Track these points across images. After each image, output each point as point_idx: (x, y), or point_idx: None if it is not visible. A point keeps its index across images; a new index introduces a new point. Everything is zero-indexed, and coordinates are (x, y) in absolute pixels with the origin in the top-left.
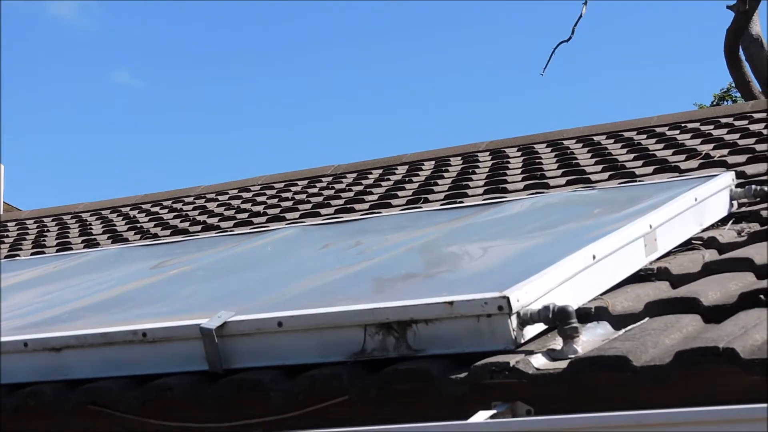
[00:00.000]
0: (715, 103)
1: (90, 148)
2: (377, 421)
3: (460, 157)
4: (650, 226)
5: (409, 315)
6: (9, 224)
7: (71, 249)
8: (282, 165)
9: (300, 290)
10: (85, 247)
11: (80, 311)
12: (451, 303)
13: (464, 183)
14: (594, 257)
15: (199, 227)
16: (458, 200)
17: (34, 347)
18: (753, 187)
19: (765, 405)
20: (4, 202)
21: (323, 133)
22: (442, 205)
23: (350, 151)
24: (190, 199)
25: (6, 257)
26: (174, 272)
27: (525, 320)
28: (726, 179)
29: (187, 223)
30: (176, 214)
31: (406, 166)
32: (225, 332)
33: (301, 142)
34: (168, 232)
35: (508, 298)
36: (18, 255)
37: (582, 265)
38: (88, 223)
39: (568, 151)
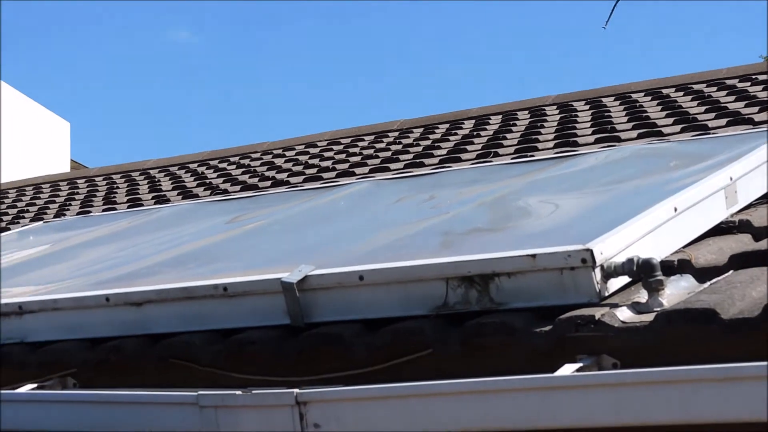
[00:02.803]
0: None
1: (152, 105)
2: (459, 374)
3: (527, 111)
4: (731, 179)
5: (492, 268)
6: (78, 181)
7: (142, 205)
8: (345, 121)
9: (378, 244)
10: (155, 203)
11: (159, 266)
12: (533, 256)
13: (533, 137)
14: (675, 209)
15: (268, 183)
16: (529, 154)
17: (116, 302)
18: None
19: None
20: (71, 160)
21: (386, 89)
22: (512, 158)
23: (413, 108)
24: (257, 155)
25: (78, 213)
26: (249, 227)
27: (609, 273)
28: None
29: (257, 179)
30: (244, 169)
31: (473, 121)
32: (306, 286)
33: (364, 99)
34: (238, 187)
35: (591, 251)
36: (90, 211)
37: (664, 218)
38: (156, 179)
39: (637, 104)
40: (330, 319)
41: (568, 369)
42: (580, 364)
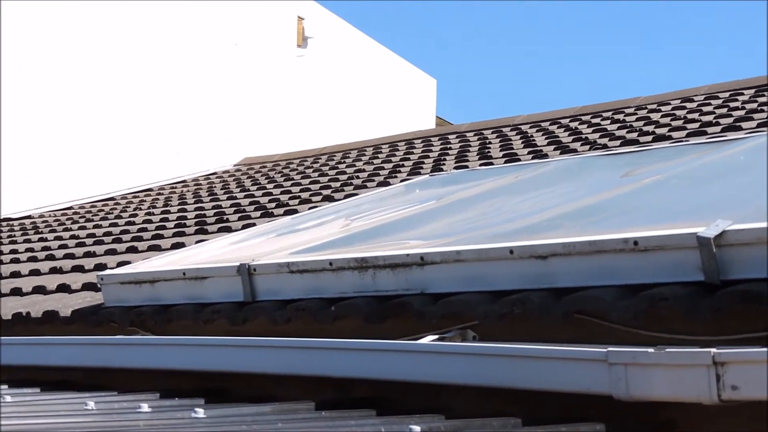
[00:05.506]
0: None
1: (513, 62)
2: None
3: None
4: None
5: None
6: (450, 137)
7: (519, 160)
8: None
9: None
10: (532, 158)
11: (560, 219)
12: None
13: None
14: None
15: (649, 137)
16: None
17: (520, 254)
18: None
19: None
20: (436, 116)
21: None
22: None
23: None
24: (631, 110)
25: (455, 168)
26: (647, 181)
27: None
28: None
29: (635, 134)
30: (620, 125)
31: None
32: (723, 241)
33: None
34: (617, 142)
35: None
36: (466, 166)
37: None
38: (529, 134)
39: None
40: (748, 277)
41: None
42: None
